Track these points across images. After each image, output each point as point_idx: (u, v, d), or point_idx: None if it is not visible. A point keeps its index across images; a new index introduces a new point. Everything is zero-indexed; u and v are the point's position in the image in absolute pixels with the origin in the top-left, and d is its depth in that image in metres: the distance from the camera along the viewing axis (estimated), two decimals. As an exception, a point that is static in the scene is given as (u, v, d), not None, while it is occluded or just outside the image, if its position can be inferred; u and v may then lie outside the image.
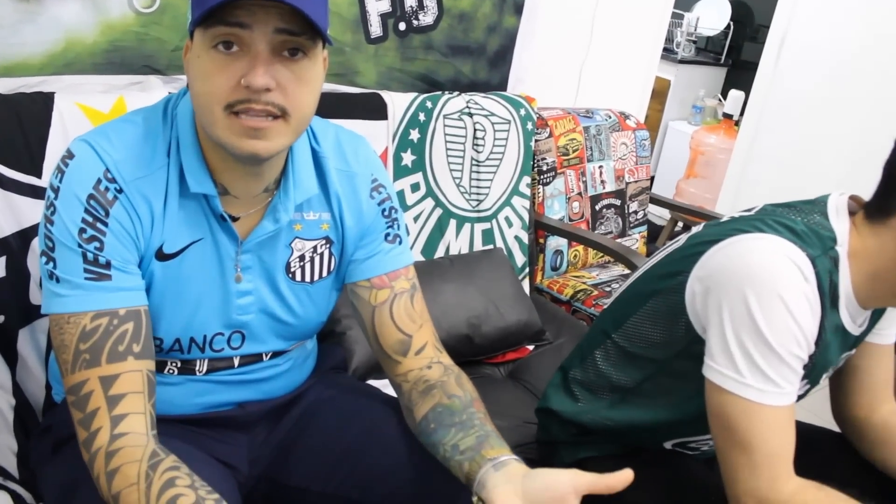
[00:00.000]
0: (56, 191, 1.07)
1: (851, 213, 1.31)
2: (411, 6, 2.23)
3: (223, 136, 1.05)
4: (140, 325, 1.09)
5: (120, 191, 1.09)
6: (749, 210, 1.38)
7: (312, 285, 1.29)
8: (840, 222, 1.29)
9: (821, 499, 1.23)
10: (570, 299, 2.55)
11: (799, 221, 1.28)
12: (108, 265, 1.07)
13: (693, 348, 1.30)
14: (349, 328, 1.85)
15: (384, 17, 2.19)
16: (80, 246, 1.06)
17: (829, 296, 1.25)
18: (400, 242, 1.34)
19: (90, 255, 1.07)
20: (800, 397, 1.42)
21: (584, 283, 2.63)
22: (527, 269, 2.48)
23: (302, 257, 1.26)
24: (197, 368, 1.25)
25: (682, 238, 1.43)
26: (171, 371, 1.24)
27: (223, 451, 1.30)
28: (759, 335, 1.19)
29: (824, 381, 1.49)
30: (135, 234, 1.11)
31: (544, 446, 1.66)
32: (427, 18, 2.29)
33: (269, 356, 1.31)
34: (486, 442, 1.12)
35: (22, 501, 1.32)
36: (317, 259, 1.28)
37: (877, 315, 1.43)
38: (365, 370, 1.84)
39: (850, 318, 1.32)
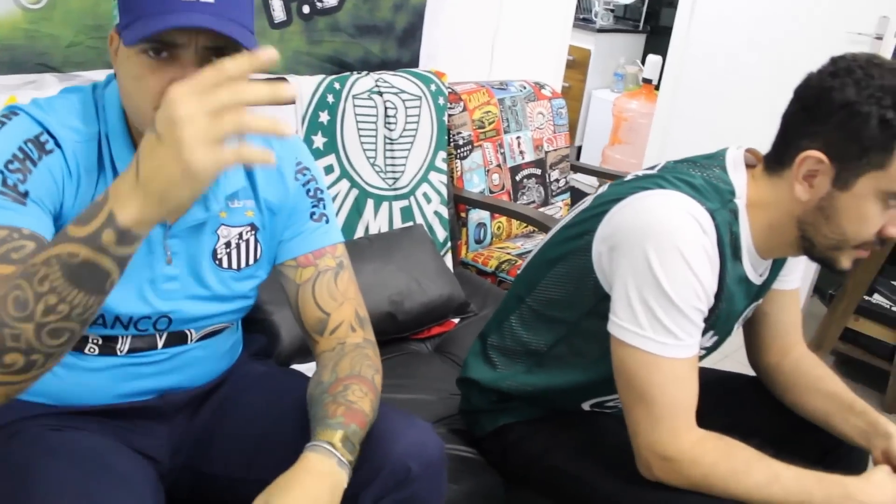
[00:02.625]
0: None
1: (749, 166, 1.35)
2: (313, -13, 2.21)
3: None
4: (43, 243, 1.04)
5: (59, 146, 1.10)
6: (652, 168, 1.40)
7: (239, 272, 1.30)
8: (738, 175, 1.32)
9: (720, 448, 1.27)
10: (496, 270, 2.56)
11: (698, 176, 1.30)
12: (25, 195, 1.05)
13: (601, 307, 1.32)
14: (271, 314, 1.84)
15: (286, 0, 2.17)
16: (1, 172, 1.04)
17: (730, 247, 1.28)
18: (327, 221, 1.37)
19: (10, 181, 1.04)
20: (709, 350, 1.45)
21: (508, 253, 2.64)
22: (448, 244, 2.48)
23: (228, 244, 1.27)
24: (118, 347, 1.24)
25: (589, 199, 1.45)
26: (91, 350, 1.22)
27: (143, 444, 1.29)
28: (659, 289, 1.21)
29: (738, 332, 1.53)
30: (62, 188, 1.10)
31: (467, 415, 1.67)
32: (331, 0, 2.27)
33: (195, 338, 1.31)
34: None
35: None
36: (243, 245, 1.29)
37: (779, 264, 1.47)
38: (288, 354, 1.83)
39: (752, 268, 1.35)
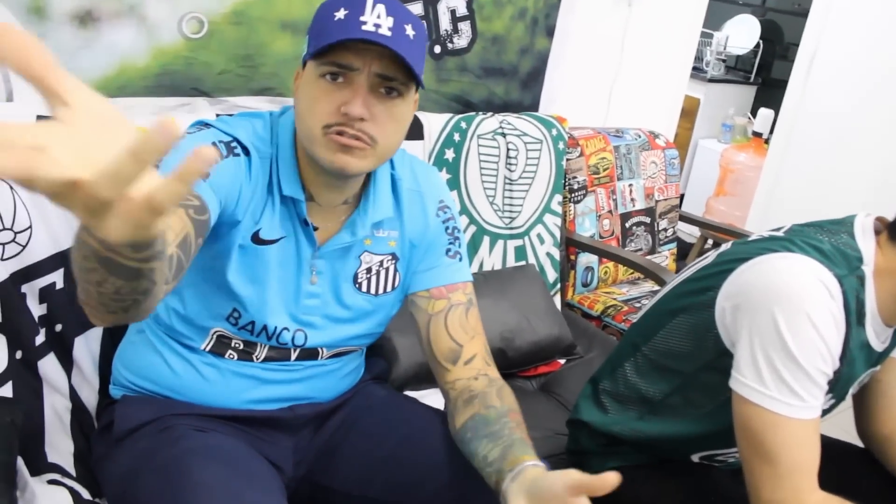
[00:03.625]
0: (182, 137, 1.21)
1: (877, 233, 1.36)
2: (446, 30, 2.30)
3: (319, 152, 1.19)
4: (204, 212, 1.09)
5: (248, 153, 1.24)
6: (777, 229, 1.42)
7: (377, 297, 1.39)
8: (866, 242, 1.33)
9: None
10: (601, 315, 2.59)
11: (826, 242, 1.32)
12: (206, 175, 1.14)
13: (721, 362, 1.34)
14: (392, 339, 1.91)
15: (420, 40, 2.26)
16: None
17: (855, 314, 1.29)
18: (460, 259, 1.44)
19: None
20: (825, 412, 1.45)
21: (614, 298, 2.68)
22: (558, 285, 2.53)
23: (369, 270, 1.37)
24: (255, 355, 1.35)
25: (711, 255, 1.48)
26: (231, 356, 1.34)
27: (270, 452, 1.38)
28: (786, 351, 1.23)
29: (850, 397, 1.53)
30: (239, 189, 1.23)
31: (574, 456, 1.70)
32: (461, 42, 2.35)
33: (325, 356, 1.40)
34: (510, 452, 1.17)
35: (79, 497, 1.39)
36: (382, 273, 1.39)
37: (900, 331, 1.47)
38: (403, 381, 1.90)
39: (875, 335, 1.35)
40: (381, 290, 1.39)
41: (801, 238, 1.33)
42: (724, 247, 1.47)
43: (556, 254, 2.52)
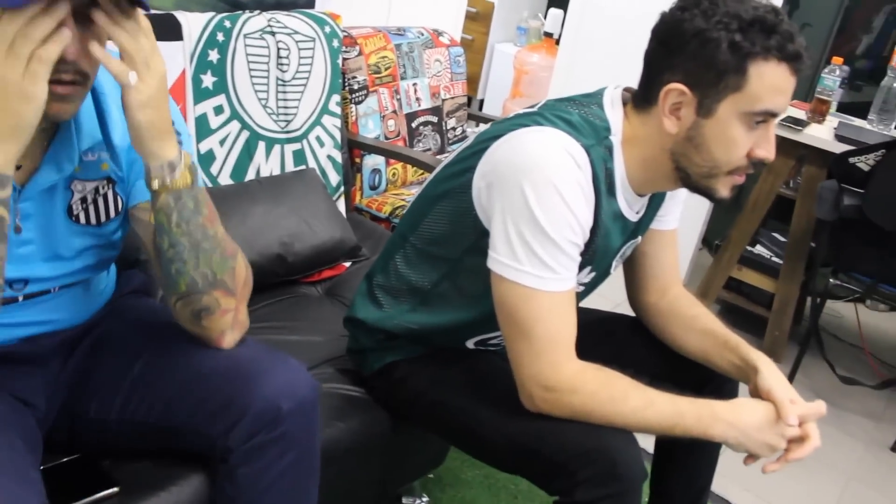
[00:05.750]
0: None
1: (625, 104, 1.38)
2: (204, -78, 2.15)
3: None
4: None
5: None
6: (533, 106, 1.42)
7: (100, 227, 1.26)
8: (614, 113, 1.36)
9: (599, 377, 1.31)
10: (389, 216, 2.56)
11: (575, 114, 1.33)
12: None
13: (482, 243, 1.34)
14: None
15: (176, -66, 2.10)
16: None
17: (604, 183, 1.32)
18: None
19: None
20: (588, 286, 1.49)
21: (402, 199, 2.64)
22: (342, 189, 2.46)
23: (84, 199, 1.22)
24: None
25: (471, 138, 1.46)
26: None
27: (19, 388, 1.25)
28: (535, 223, 1.24)
29: (616, 271, 1.57)
30: None
31: (354, 355, 1.68)
32: (223, -64, 2.21)
33: (57, 290, 1.26)
34: None
35: None
36: (101, 200, 1.24)
37: (656, 203, 1.51)
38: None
39: (627, 204, 1.39)
40: (103, 219, 1.26)
41: (551, 111, 1.33)
42: (482, 127, 1.46)
43: (338, 156, 2.45)
